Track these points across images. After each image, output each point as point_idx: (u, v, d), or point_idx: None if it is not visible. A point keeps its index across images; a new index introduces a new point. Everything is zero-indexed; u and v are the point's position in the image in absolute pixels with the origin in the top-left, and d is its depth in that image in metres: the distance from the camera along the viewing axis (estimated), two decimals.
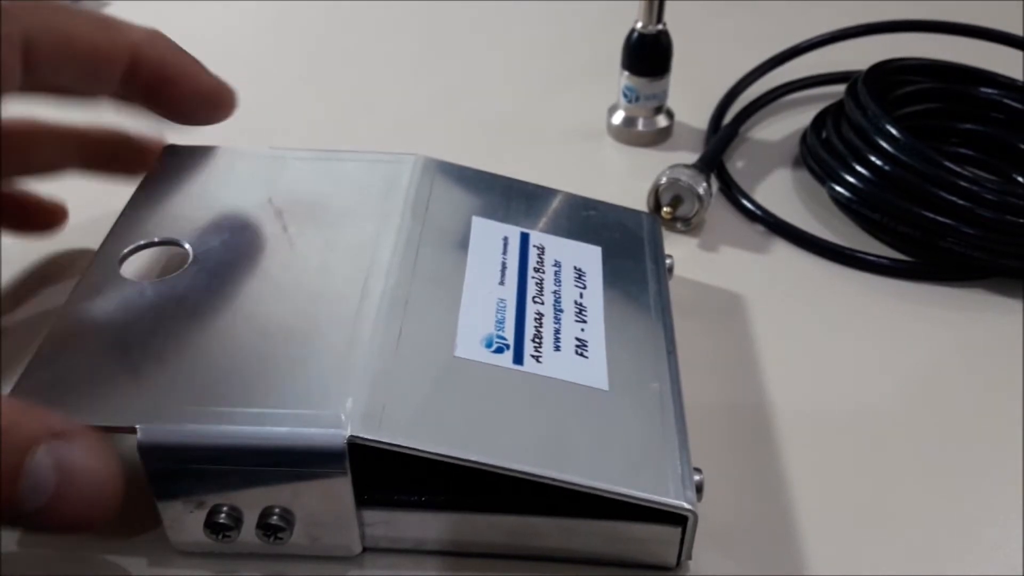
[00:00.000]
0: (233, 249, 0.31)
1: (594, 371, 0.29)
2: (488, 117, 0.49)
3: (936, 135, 0.44)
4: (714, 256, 0.39)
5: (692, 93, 0.48)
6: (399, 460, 0.25)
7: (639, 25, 0.44)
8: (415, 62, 0.54)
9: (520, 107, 0.50)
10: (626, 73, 0.45)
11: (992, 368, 0.34)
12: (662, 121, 0.46)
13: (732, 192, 0.42)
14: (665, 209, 0.40)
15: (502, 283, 0.31)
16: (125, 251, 0.31)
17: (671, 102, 0.47)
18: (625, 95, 0.46)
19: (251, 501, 0.26)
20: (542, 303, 0.31)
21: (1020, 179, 0.43)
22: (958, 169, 0.37)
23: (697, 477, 0.26)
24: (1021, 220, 0.36)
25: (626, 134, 0.47)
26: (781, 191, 0.43)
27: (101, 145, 0.35)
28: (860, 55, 0.46)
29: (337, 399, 0.25)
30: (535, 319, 0.30)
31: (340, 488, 0.25)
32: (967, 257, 0.37)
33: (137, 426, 0.24)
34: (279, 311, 0.29)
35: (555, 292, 0.31)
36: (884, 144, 0.39)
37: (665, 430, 0.27)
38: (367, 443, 0.24)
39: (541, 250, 0.33)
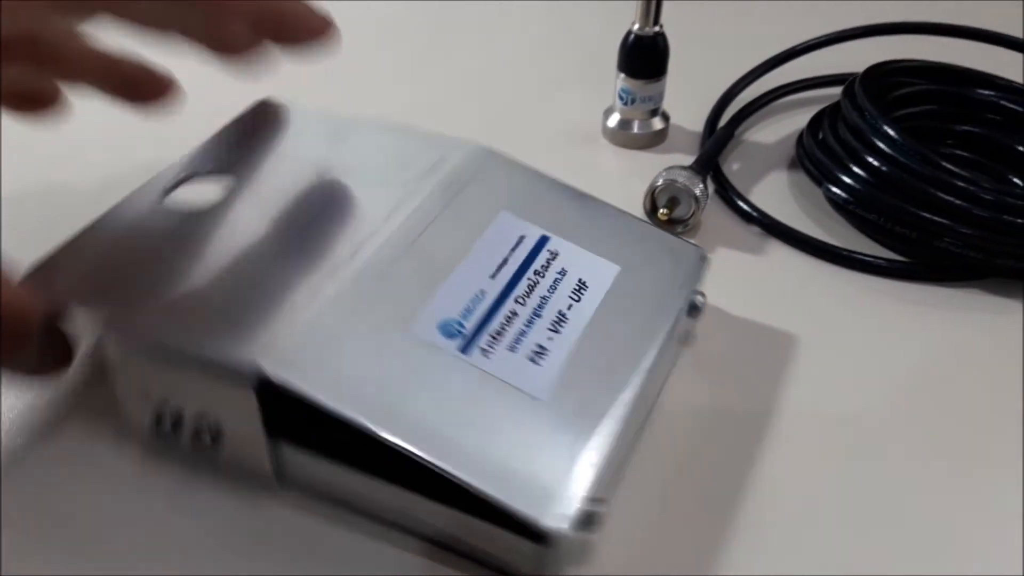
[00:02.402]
0: (265, 193, 0.34)
1: (539, 380, 0.28)
2: (483, 119, 0.49)
3: (932, 137, 0.44)
4: (710, 257, 0.39)
5: (688, 95, 0.48)
6: (311, 406, 0.26)
7: (636, 27, 0.44)
8: (411, 64, 0.54)
9: (515, 109, 0.50)
10: (622, 75, 0.45)
11: (989, 368, 0.34)
12: (658, 123, 0.46)
13: (728, 194, 0.42)
14: (661, 211, 0.40)
15: (493, 277, 0.31)
16: (169, 182, 0.34)
17: (667, 104, 0.47)
18: (621, 97, 0.46)
19: (189, 404, 0.29)
20: (523, 304, 0.31)
21: (1016, 180, 0.43)
22: (955, 169, 0.37)
23: (598, 508, 0.26)
24: (1018, 220, 0.36)
25: (622, 136, 0.47)
26: (777, 193, 0.43)
27: (121, 68, 0.34)
28: (857, 57, 0.46)
29: (270, 334, 0.28)
30: (507, 317, 0.30)
31: (251, 413, 0.27)
32: (964, 257, 0.37)
33: (100, 313, 0.29)
34: (274, 250, 0.31)
35: (543, 298, 0.31)
36: (881, 145, 0.39)
37: (584, 456, 0.27)
38: (273, 381, 0.26)
39: (553, 256, 0.33)
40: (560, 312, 0.31)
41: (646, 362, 0.30)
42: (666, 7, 0.44)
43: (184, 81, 0.35)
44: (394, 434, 0.26)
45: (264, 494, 0.29)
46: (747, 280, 0.38)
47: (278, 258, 0.31)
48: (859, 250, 0.39)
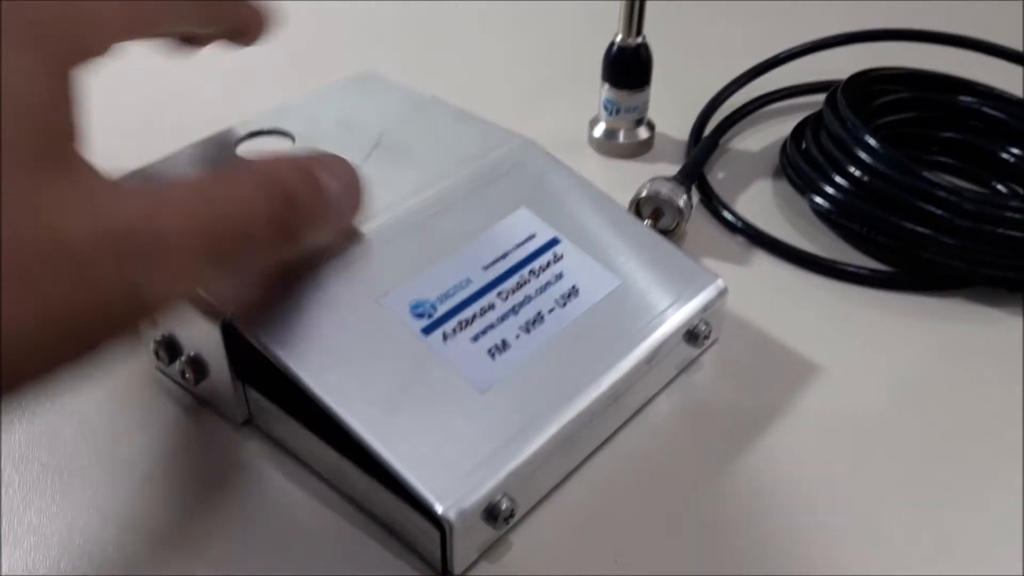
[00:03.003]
0: (322, 147, 0.35)
1: (487, 373, 0.29)
2: None
3: (916, 144, 0.45)
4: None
5: (673, 104, 0.48)
6: (262, 352, 0.28)
7: (619, 38, 0.44)
8: (398, 72, 0.54)
9: (502, 119, 0.49)
10: (606, 85, 0.45)
11: (973, 377, 0.34)
12: (643, 133, 0.46)
13: (713, 203, 0.42)
14: (646, 222, 0.40)
15: (487, 268, 0.32)
16: (242, 134, 0.37)
17: (652, 113, 0.47)
18: (606, 107, 0.46)
19: (181, 336, 0.31)
20: (504, 299, 0.31)
21: (1000, 187, 0.43)
22: (936, 179, 0.37)
23: (505, 504, 0.26)
24: (999, 230, 0.36)
25: (608, 146, 0.47)
26: (761, 202, 0.43)
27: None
28: (841, 64, 0.46)
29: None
30: (482, 308, 0.31)
31: (220, 352, 0.29)
32: (947, 267, 0.37)
33: None
34: None
35: (528, 297, 0.31)
36: (862, 155, 0.39)
37: (505, 453, 0.27)
38: (233, 324, 0.28)
39: (556, 259, 0.33)
40: (539, 313, 0.31)
41: (608, 379, 0.30)
42: (649, 17, 0.44)
43: None
44: (324, 392, 0.27)
45: (237, 434, 0.32)
46: (732, 290, 0.38)
47: None
48: (843, 260, 0.39)
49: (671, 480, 0.30)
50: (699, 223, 0.42)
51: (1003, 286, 0.38)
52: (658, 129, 0.47)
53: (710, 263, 0.39)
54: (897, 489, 0.30)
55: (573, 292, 0.32)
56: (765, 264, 0.40)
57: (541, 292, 0.32)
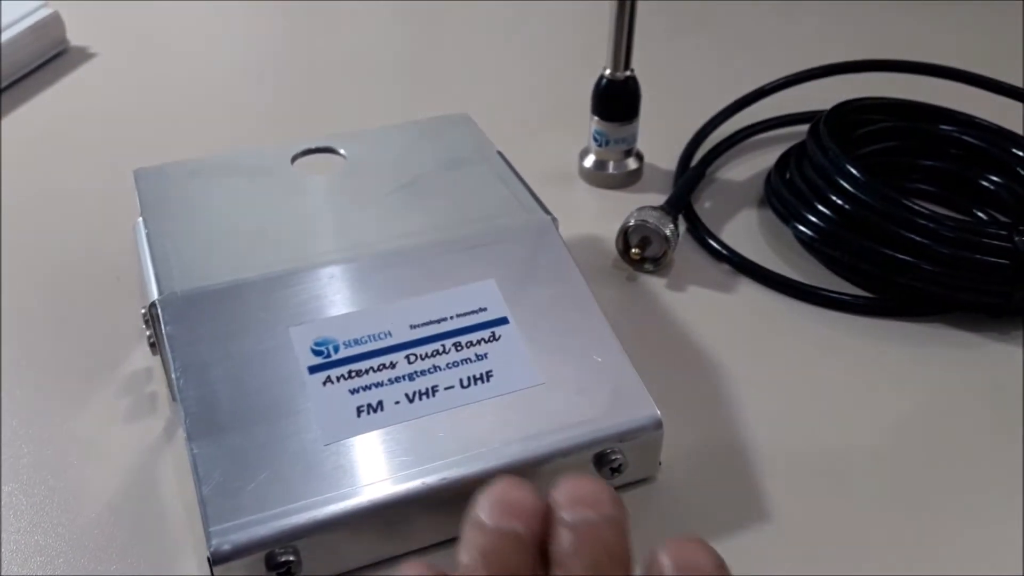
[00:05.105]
0: (353, 182, 0.38)
1: (341, 429, 0.29)
2: None
3: (898, 172, 0.46)
4: (682, 296, 0.40)
5: (661, 135, 0.49)
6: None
7: (607, 72, 0.45)
8: (393, 105, 0.55)
9: None
10: (596, 118, 0.46)
11: (954, 400, 0.35)
12: (632, 163, 0.48)
13: (699, 232, 0.43)
14: (634, 250, 0.41)
15: (414, 327, 0.31)
16: (299, 151, 0.39)
17: (641, 144, 0.48)
18: (595, 139, 0.47)
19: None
20: (410, 363, 0.30)
21: (980, 213, 0.44)
22: (916, 207, 0.38)
23: (284, 557, 0.26)
24: (977, 256, 0.37)
25: (597, 177, 0.48)
26: (747, 230, 0.44)
27: None
28: (824, 95, 0.47)
29: (196, 277, 0.32)
30: (383, 365, 0.30)
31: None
32: (927, 293, 0.38)
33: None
34: (297, 225, 0.35)
35: (435, 367, 0.30)
36: (844, 184, 0.40)
37: (309, 508, 0.27)
38: (155, 303, 0.31)
39: (492, 338, 0.31)
40: (434, 387, 0.30)
41: (454, 473, 0.28)
42: (637, 51, 0.45)
43: None
44: (182, 375, 0.29)
45: None
46: (718, 317, 0.39)
47: (294, 231, 0.35)
48: (826, 287, 0.40)
49: (657, 508, 0.31)
50: (686, 251, 0.43)
51: (983, 311, 0.39)
52: (647, 160, 0.48)
53: (697, 291, 0.40)
54: (883, 510, 0.31)
55: (484, 377, 0.30)
56: (750, 291, 0.41)
57: (452, 367, 0.30)
